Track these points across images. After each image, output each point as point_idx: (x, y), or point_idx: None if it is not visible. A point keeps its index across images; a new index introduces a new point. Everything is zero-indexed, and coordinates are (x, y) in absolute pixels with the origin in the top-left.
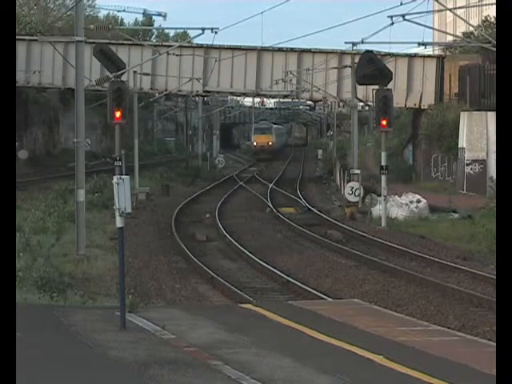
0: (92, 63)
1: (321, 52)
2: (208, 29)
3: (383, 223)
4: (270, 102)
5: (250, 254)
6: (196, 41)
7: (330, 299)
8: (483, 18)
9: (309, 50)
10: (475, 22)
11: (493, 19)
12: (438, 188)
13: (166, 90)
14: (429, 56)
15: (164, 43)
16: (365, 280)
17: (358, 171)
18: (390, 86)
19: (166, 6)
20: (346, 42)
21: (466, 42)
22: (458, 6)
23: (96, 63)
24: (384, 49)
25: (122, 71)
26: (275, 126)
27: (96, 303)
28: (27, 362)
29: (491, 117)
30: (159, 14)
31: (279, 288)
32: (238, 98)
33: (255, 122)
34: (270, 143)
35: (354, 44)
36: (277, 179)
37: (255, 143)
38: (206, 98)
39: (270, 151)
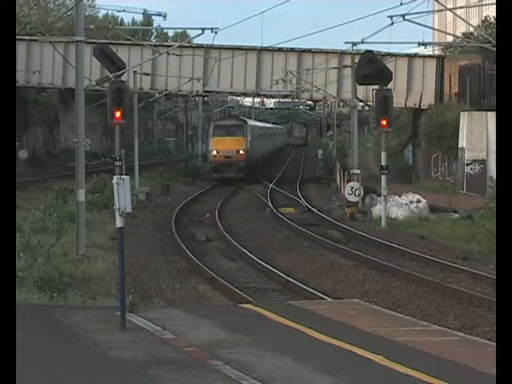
0: (92, 63)
1: (321, 52)
2: (208, 29)
3: (383, 223)
4: (270, 102)
5: (249, 253)
6: (196, 41)
7: (329, 299)
8: (483, 18)
9: (309, 50)
10: (475, 22)
11: (493, 19)
12: (438, 188)
13: (166, 90)
14: (429, 56)
15: (164, 43)
16: (365, 280)
17: (357, 171)
18: (390, 86)
19: (166, 5)
20: (346, 42)
21: (466, 42)
22: (458, 6)
23: (96, 63)
24: (384, 49)
25: (121, 71)
26: (252, 122)
27: (96, 303)
28: (27, 362)
29: (491, 117)
30: (159, 14)
31: (279, 288)
32: (238, 98)
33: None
34: (241, 152)
35: (354, 44)
36: (277, 179)
37: (214, 152)
38: (205, 98)
39: (240, 166)
